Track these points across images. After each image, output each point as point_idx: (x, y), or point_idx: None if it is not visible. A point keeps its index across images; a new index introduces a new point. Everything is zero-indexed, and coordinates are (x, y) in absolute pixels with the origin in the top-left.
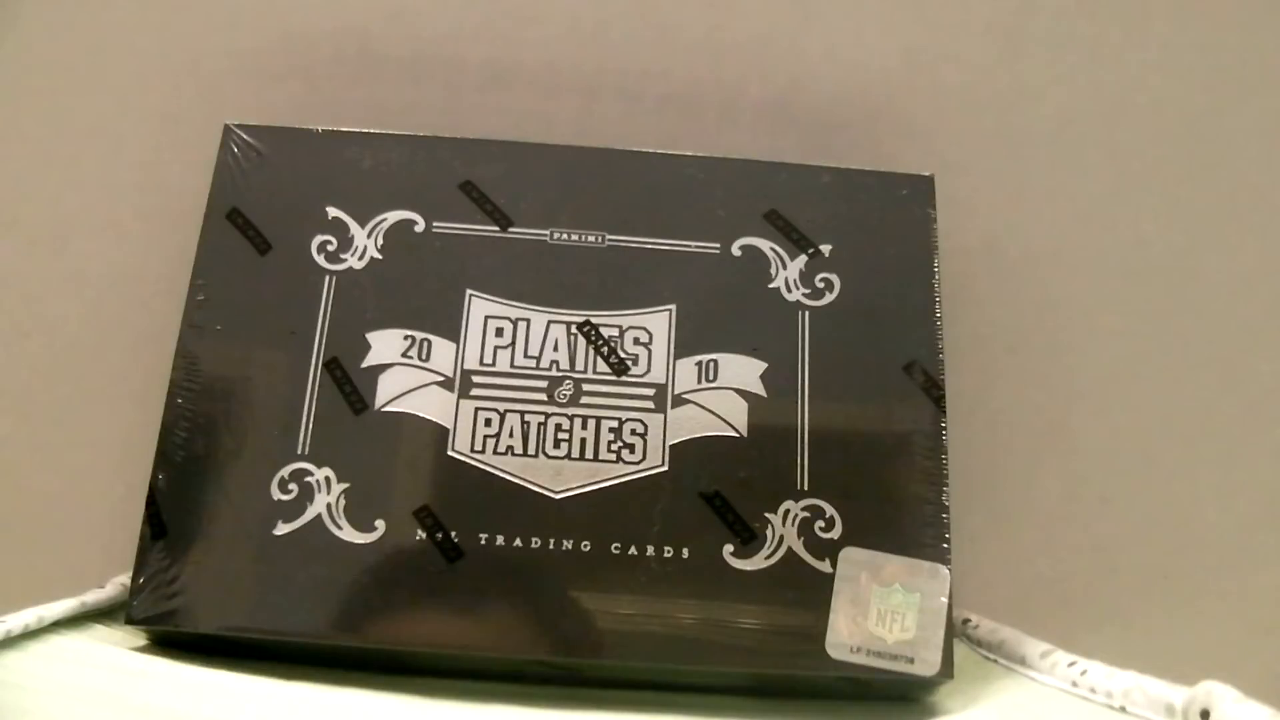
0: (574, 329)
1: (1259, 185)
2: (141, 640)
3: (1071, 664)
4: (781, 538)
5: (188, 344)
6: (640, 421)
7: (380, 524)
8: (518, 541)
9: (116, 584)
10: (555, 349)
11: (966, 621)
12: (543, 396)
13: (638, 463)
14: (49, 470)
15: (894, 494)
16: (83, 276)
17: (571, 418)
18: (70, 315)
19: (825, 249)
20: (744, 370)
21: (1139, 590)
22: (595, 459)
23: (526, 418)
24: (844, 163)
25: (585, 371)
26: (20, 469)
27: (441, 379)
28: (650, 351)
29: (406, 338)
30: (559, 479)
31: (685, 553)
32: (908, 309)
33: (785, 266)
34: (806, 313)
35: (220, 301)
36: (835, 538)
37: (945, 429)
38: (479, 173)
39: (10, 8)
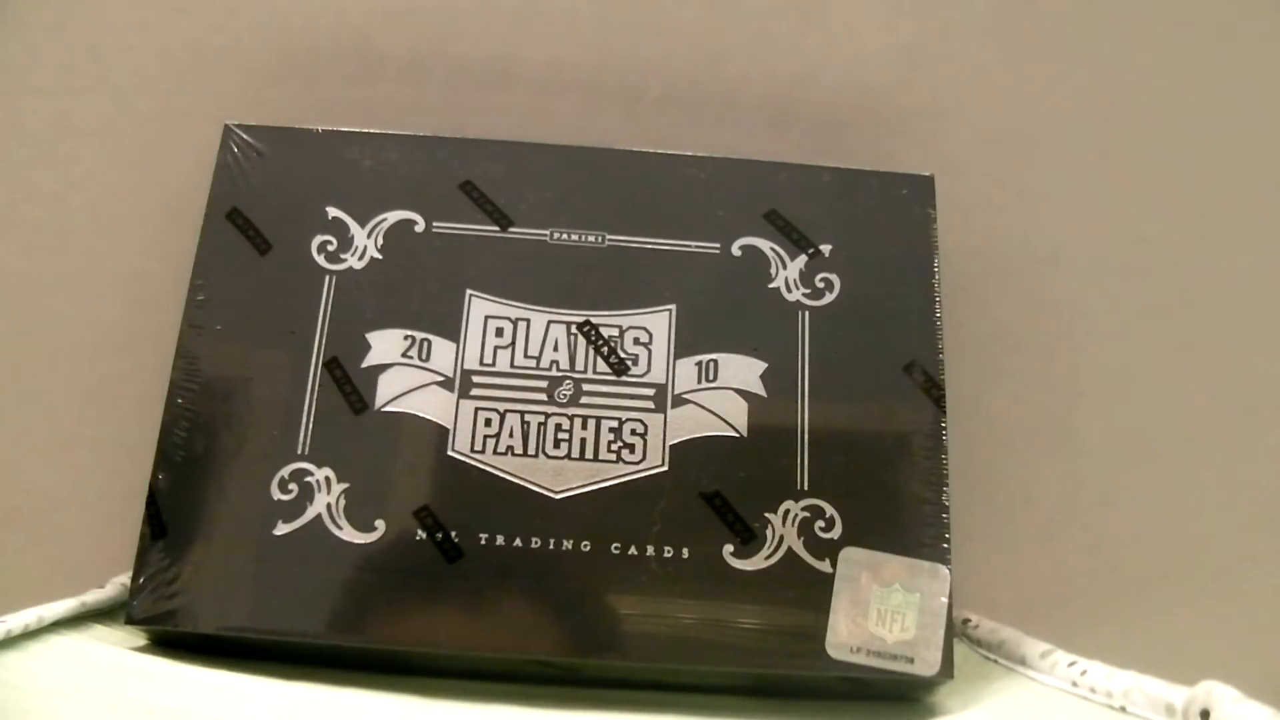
0: (574, 329)
1: (1259, 185)
2: (141, 640)
3: (1071, 664)
4: (781, 538)
5: (188, 344)
6: (640, 421)
7: (380, 524)
8: (518, 541)
9: (116, 584)
10: (555, 349)
11: (966, 621)
12: (543, 396)
13: (638, 463)
14: (49, 470)
15: (894, 494)
16: (83, 276)
17: (571, 418)
18: (70, 315)
19: (825, 249)
20: (744, 370)
21: (1139, 590)
22: (595, 459)
23: (526, 418)
24: (844, 163)
25: (585, 371)
26: (20, 469)
27: (441, 379)
28: (650, 351)
29: (406, 338)
30: (559, 479)
31: (685, 553)
32: (908, 309)
33: (785, 266)
34: (806, 313)
35: (220, 301)
36: (835, 538)
37: (945, 429)
38: (479, 173)
39: (10, 8)
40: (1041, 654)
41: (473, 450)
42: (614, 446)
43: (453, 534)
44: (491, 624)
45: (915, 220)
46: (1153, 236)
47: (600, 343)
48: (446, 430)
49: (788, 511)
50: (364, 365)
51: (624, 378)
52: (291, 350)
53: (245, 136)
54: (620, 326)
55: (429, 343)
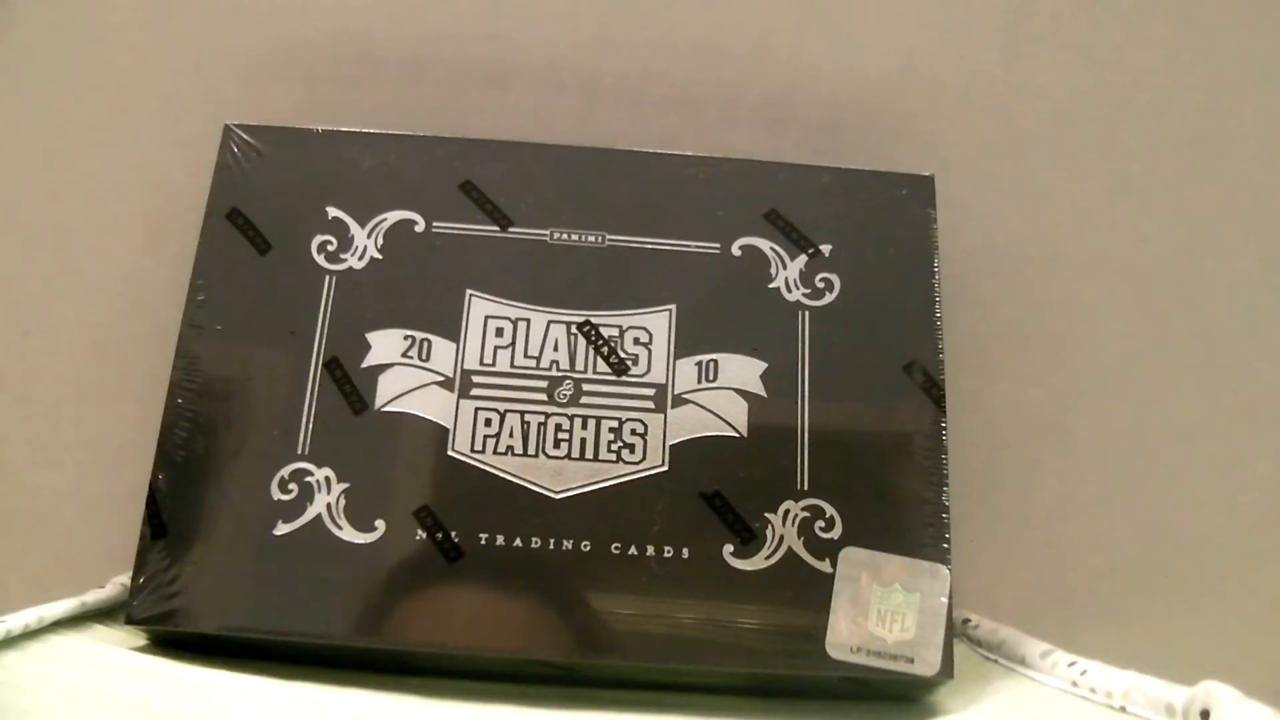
0: (574, 329)
1: (1259, 185)
2: (141, 640)
3: (1071, 664)
4: (781, 538)
5: (188, 344)
6: (640, 421)
7: (380, 524)
8: (518, 541)
9: (116, 584)
10: (555, 349)
11: (966, 621)
12: (543, 396)
13: (638, 463)
14: (49, 470)
15: (894, 494)
16: (83, 276)
17: (571, 418)
18: (70, 315)
19: (825, 249)
20: (744, 370)
21: (1139, 590)
22: (595, 459)
23: (526, 418)
24: (844, 163)
25: (585, 371)
26: (20, 469)
27: (441, 379)
28: (650, 351)
29: (406, 338)
30: (559, 479)
31: (685, 553)
32: (908, 309)
33: (785, 266)
34: (806, 313)
35: (220, 301)
36: (835, 538)
37: (945, 429)
38: (479, 173)
39: (10, 8)
40: (1041, 654)
41: (473, 450)
42: (614, 446)
43: (453, 534)
44: (491, 624)
45: (915, 220)
46: (1153, 236)
47: (600, 343)
48: (446, 430)
49: (788, 511)
50: (364, 365)
51: (624, 378)
52: (291, 350)
53: (245, 136)
54: (620, 326)
55: (429, 343)
